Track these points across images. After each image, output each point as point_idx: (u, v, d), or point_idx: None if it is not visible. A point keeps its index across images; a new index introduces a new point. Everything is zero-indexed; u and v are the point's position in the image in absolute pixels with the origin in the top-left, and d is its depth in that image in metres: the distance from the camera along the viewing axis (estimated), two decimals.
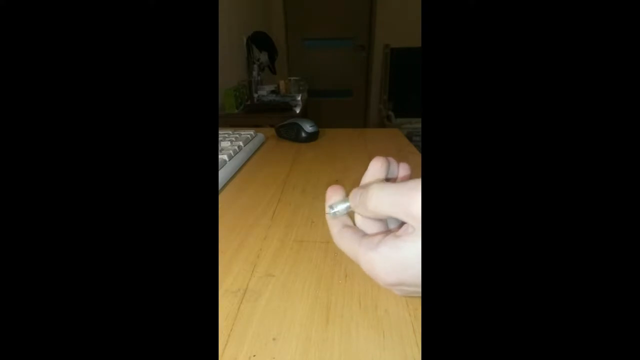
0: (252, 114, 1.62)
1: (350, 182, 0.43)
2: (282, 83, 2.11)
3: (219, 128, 0.65)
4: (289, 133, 0.62)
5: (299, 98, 1.96)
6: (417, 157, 0.51)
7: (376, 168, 0.23)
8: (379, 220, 0.22)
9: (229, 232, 0.31)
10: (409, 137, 2.34)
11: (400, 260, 0.18)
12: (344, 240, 0.21)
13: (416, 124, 2.56)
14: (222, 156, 0.46)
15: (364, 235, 0.21)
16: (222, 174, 0.42)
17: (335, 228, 0.22)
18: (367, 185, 0.20)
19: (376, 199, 0.19)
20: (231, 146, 0.50)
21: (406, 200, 0.17)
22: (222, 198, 0.39)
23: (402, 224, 0.22)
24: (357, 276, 0.25)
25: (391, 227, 0.22)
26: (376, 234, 0.21)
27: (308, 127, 0.61)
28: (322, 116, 3.28)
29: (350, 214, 0.22)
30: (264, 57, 1.98)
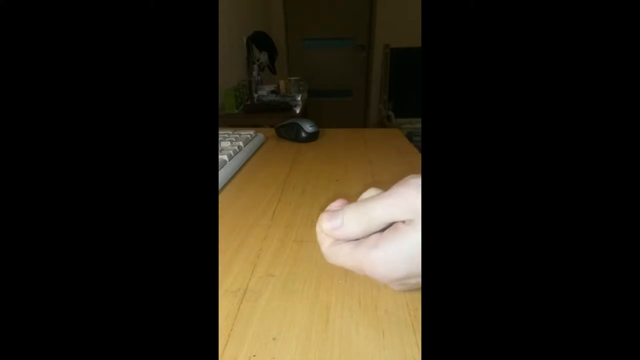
0: (252, 114, 1.62)
1: (351, 182, 0.43)
2: (282, 83, 2.11)
3: (219, 128, 0.65)
4: (289, 133, 0.62)
5: (299, 98, 1.96)
6: (417, 157, 0.51)
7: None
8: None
9: (229, 232, 0.31)
10: (409, 137, 2.34)
11: (406, 251, 0.18)
12: (337, 253, 0.21)
13: (416, 124, 2.56)
14: (222, 156, 0.46)
15: (357, 242, 0.20)
16: (222, 174, 0.42)
17: (325, 243, 0.21)
18: (345, 208, 0.20)
19: (377, 206, 0.19)
20: (231, 146, 0.50)
21: (407, 198, 0.18)
22: (222, 198, 0.39)
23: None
24: (357, 276, 0.25)
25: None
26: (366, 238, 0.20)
27: (308, 127, 0.61)
28: (322, 116, 3.28)
29: None
30: (264, 57, 1.98)
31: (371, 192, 0.22)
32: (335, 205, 0.22)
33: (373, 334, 0.20)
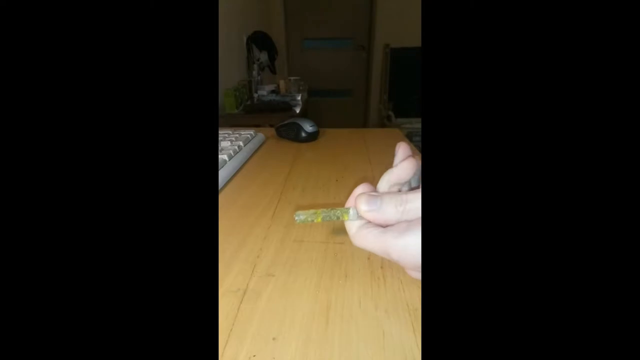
0: (252, 114, 1.62)
1: (351, 182, 0.42)
2: (282, 83, 2.11)
3: (219, 128, 0.65)
4: (289, 133, 0.62)
5: (299, 98, 1.96)
6: (417, 157, 0.51)
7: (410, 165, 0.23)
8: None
9: (229, 232, 0.31)
10: (409, 137, 2.34)
11: None
12: (366, 235, 0.21)
13: (416, 124, 2.56)
14: (222, 156, 0.46)
15: (385, 228, 0.21)
16: (222, 174, 0.42)
17: (353, 229, 0.22)
18: (384, 194, 0.21)
19: (416, 199, 0.20)
20: (231, 146, 0.50)
21: None
22: (222, 198, 0.39)
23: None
24: (357, 276, 0.25)
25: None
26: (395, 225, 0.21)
27: (308, 127, 0.61)
28: (322, 116, 3.28)
29: None
30: (264, 57, 1.98)
31: (392, 174, 0.23)
32: (360, 189, 0.23)
33: (373, 334, 0.20)
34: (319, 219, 0.22)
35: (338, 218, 0.22)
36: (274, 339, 0.20)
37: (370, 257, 0.27)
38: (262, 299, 0.23)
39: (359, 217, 0.22)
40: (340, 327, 0.20)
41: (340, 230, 0.31)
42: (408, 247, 0.19)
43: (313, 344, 0.19)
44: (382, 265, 0.26)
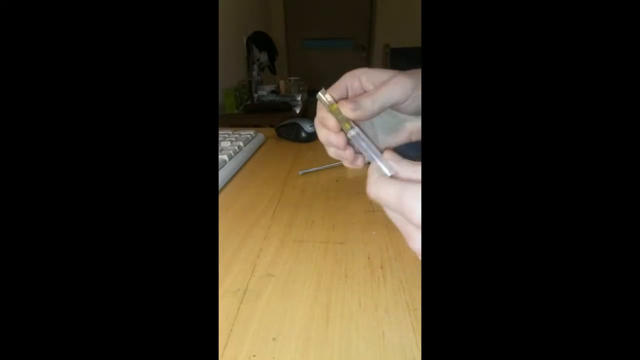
0: (252, 114, 1.62)
1: (351, 182, 0.42)
2: (282, 83, 2.11)
3: (219, 128, 0.65)
4: (289, 133, 0.62)
5: (299, 98, 1.96)
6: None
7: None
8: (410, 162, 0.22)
9: (229, 232, 0.31)
10: None
11: None
12: (383, 185, 0.21)
13: None
14: (222, 156, 0.46)
15: (404, 183, 0.21)
16: (222, 174, 0.42)
17: (373, 176, 0.22)
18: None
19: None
20: (231, 146, 0.50)
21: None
22: (222, 198, 0.39)
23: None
24: (357, 276, 0.25)
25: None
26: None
27: (308, 127, 0.61)
28: None
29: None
30: (264, 57, 1.98)
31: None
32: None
33: (373, 334, 0.20)
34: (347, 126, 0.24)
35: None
36: (274, 339, 0.20)
37: (370, 257, 0.27)
38: (262, 299, 0.23)
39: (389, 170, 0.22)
40: (340, 327, 0.20)
41: (340, 229, 0.31)
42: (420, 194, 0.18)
43: (313, 344, 0.19)
44: (382, 265, 0.26)
